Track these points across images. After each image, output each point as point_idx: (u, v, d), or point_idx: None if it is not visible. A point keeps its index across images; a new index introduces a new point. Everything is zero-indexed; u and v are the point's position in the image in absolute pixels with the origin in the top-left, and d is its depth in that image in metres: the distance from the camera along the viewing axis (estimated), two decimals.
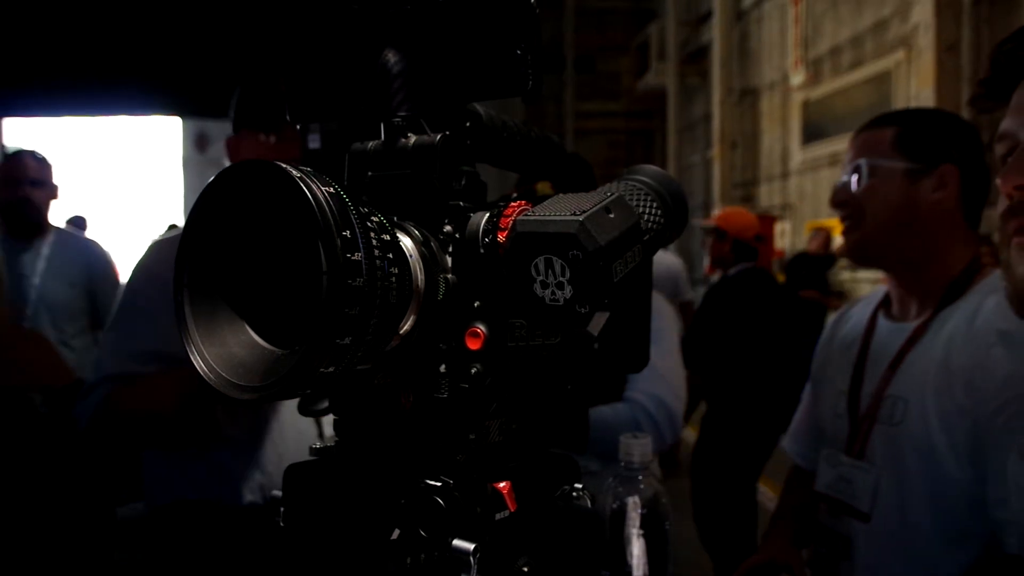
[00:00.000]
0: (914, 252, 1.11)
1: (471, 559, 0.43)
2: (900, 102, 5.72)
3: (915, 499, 1.04)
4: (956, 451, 1.00)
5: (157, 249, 1.24)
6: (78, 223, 8.09)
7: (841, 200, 1.16)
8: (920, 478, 1.04)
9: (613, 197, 0.41)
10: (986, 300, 1.04)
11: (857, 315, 1.26)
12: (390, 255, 0.42)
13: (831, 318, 1.37)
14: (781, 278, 7.12)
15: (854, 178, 1.13)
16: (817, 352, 1.33)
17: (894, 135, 1.12)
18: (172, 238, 1.28)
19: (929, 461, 1.03)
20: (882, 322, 1.18)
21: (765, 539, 1.26)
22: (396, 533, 0.47)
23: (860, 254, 1.17)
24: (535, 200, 0.44)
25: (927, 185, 1.09)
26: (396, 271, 0.42)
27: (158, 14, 5.91)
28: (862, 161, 1.12)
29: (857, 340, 1.19)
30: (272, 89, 1.25)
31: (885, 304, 1.21)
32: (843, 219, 1.16)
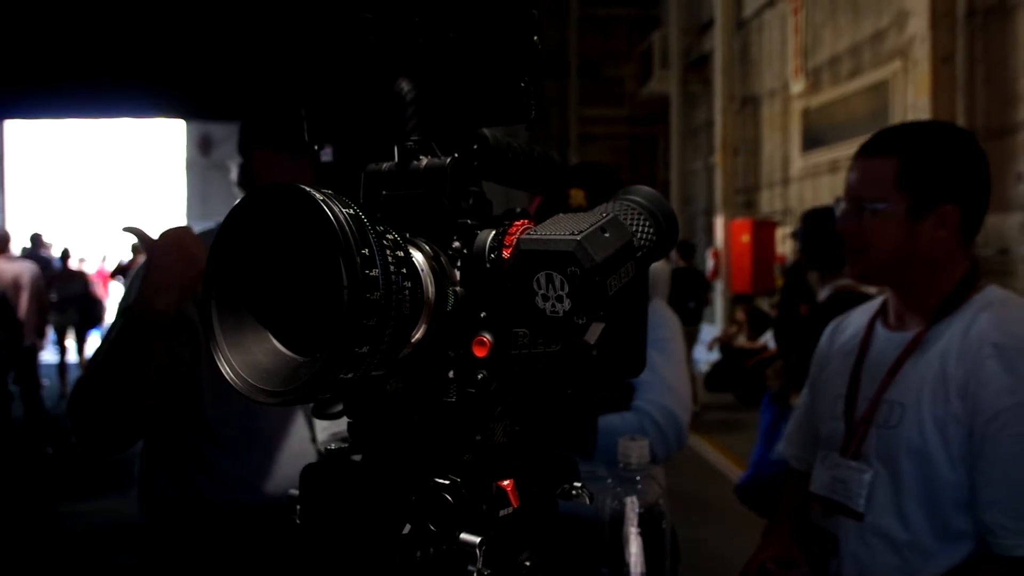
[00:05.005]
0: (914, 276, 1.16)
1: (477, 552, 0.47)
2: (897, 111, 5.76)
3: (908, 499, 1.09)
4: (949, 455, 1.05)
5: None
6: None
7: (846, 228, 1.19)
8: (913, 479, 1.08)
9: (608, 218, 0.45)
10: (980, 314, 1.09)
11: (855, 324, 1.30)
12: (404, 270, 0.45)
13: (828, 327, 1.40)
14: (780, 283, 7.16)
15: (857, 211, 1.16)
16: (814, 359, 1.37)
17: (897, 170, 1.13)
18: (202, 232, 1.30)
19: (923, 463, 1.07)
20: (880, 330, 1.23)
21: (766, 538, 1.30)
22: (407, 528, 0.50)
23: (864, 280, 1.26)
24: (565, 208, 0.48)
25: (928, 222, 1.12)
26: (409, 285, 0.45)
27: (162, 16, 5.93)
28: (865, 203, 1.14)
29: (855, 347, 1.24)
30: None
31: (883, 313, 1.25)
32: (848, 246, 1.19)
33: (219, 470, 1.16)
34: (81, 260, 10.19)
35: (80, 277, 8.31)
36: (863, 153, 1.20)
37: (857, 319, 1.32)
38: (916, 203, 1.12)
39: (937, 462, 1.06)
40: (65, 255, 8.42)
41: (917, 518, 1.08)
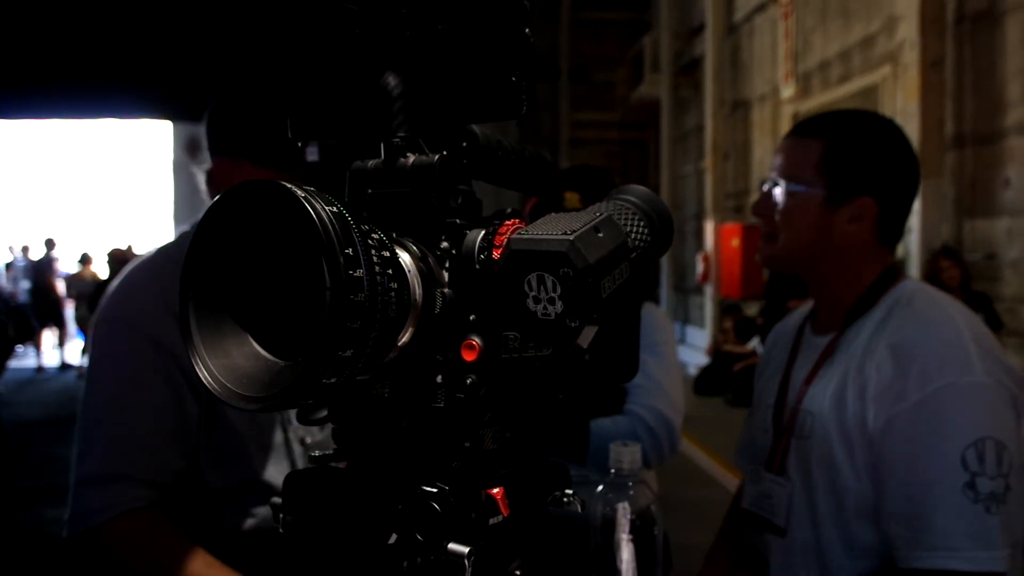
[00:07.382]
0: (825, 269, 1.11)
1: (466, 562, 0.45)
2: (887, 115, 5.79)
3: (820, 512, 1.04)
4: (853, 464, 1.01)
5: (127, 298, 1.12)
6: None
7: (762, 211, 1.13)
8: (825, 491, 1.04)
9: (602, 217, 0.43)
10: (888, 314, 1.05)
11: (791, 327, 1.25)
12: (390, 271, 0.43)
13: (772, 331, 1.35)
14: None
15: (775, 193, 1.11)
16: (758, 366, 1.32)
17: (820, 153, 1.07)
18: (143, 280, 1.13)
19: (831, 474, 1.03)
20: (807, 335, 1.18)
21: (708, 560, 1.24)
22: (393, 537, 0.48)
23: (774, 267, 1.21)
24: (559, 209, 0.47)
25: (844, 213, 1.07)
26: (395, 286, 0.44)
27: (150, 16, 5.88)
28: (782, 182, 1.09)
29: (787, 354, 1.19)
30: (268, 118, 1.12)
31: (813, 316, 1.20)
32: (762, 229, 1.15)
33: (214, 513, 1.12)
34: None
35: (91, 276, 9.54)
36: (791, 134, 1.14)
37: (794, 321, 1.25)
38: (834, 190, 1.06)
39: (843, 472, 1.01)
40: (85, 259, 9.66)
41: (830, 532, 1.03)
